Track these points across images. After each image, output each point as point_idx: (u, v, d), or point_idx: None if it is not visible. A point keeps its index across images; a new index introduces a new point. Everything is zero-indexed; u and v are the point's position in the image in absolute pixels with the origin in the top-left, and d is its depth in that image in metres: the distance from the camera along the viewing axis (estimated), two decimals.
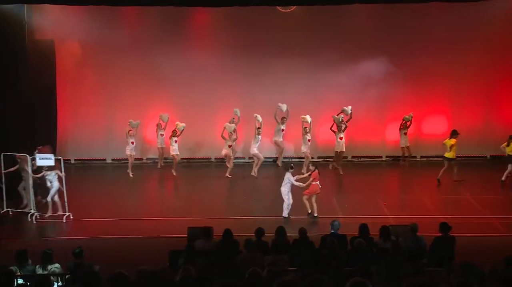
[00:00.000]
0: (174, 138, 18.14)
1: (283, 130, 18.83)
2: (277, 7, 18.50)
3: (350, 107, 18.38)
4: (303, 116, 18.14)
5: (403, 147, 19.14)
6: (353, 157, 19.79)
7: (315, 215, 14.35)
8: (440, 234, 10.79)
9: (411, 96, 19.61)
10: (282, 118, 18.73)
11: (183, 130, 18.18)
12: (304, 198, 14.47)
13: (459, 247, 10.65)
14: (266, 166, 19.16)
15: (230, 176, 17.93)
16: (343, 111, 18.37)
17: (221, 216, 14.37)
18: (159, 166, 19.18)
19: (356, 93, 19.44)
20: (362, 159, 19.79)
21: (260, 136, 18.09)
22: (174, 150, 18.20)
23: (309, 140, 18.07)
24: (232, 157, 18.13)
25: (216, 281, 6.21)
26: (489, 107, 19.76)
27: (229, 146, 18.00)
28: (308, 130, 18.07)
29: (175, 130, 18.15)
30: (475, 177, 18.21)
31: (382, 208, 15.18)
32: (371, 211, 14.67)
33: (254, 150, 18.06)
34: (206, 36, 19.46)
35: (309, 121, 18.08)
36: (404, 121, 18.98)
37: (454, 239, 10.74)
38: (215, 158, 19.78)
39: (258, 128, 18.03)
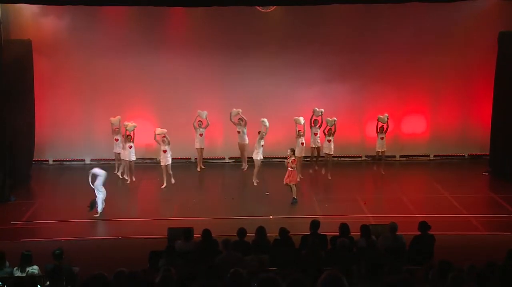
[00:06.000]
0: (128, 144, 17.41)
1: (238, 132, 18.58)
2: (257, 7, 18.50)
3: (322, 109, 18.06)
4: (296, 118, 17.67)
5: (378, 151, 18.49)
6: (333, 157, 19.82)
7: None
8: (420, 233, 10.89)
9: (390, 96, 19.68)
10: (239, 119, 18.57)
11: (133, 130, 17.46)
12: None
13: (438, 246, 10.75)
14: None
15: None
16: (313, 112, 18.08)
17: (201, 216, 14.37)
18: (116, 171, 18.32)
19: (335, 93, 19.50)
20: (341, 159, 19.85)
21: (262, 141, 17.32)
22: (128, 155, 17.44)
23: (302, 143, 17.46)
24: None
25: (196, 281, 6.19)
26: (467, 107, 19.91)
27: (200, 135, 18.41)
28: (302, 133, 17.45)
29: (128, 135, 17.39)
30: (454, 175, 18.35)
31: (362, 208, 15.26)
32: (351, 211, 14.74)
33: (258, 155, 17.21)
34: (185, 37, 19.35)
35: (302, 123, 17.60)
36: (379, 124, 18.22)
37: (434, 237, 10.84)
38: (194, 158, 19.71)
39: (260, 131, 17.39)
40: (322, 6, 17.57)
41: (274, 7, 18.72)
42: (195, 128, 18.55)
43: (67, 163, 19.87)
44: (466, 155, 20.28)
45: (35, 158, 18.73)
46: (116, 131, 18.01)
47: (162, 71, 19.31)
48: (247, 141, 18.71)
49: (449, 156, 20.22)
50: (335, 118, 18.06)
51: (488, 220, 14.60)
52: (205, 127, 18.59)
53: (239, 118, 18.53)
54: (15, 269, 9.51)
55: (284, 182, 15.74)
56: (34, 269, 9.51)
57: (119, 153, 17.99)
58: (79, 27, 18.71)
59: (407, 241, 10.78)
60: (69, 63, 19.18)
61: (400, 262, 9.09)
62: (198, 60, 19.27)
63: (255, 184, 17.10)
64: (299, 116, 17.76)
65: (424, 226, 10.87)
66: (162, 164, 17.18)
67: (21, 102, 17.51)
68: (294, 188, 15.70)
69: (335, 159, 19.20)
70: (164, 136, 17.13)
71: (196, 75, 19.41)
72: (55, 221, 14.52)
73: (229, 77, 19.54)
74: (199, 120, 18.55)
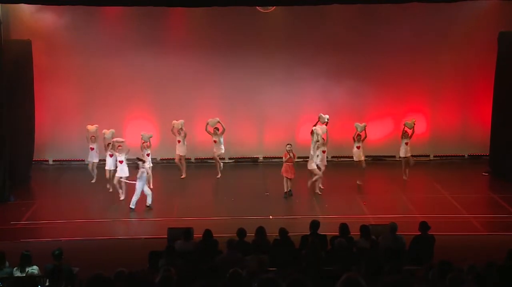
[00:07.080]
0: (109, 152, 16.48)
1: (215, 141, 18.01)
2: (257, 7, 18.49)
3: (327, 116, 17.10)
4: (314, 128, 16.65)
5: (402, 157, 17.77)
6: (332, 157, 19.80)
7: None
8: (420, 233, 10.89)
9: (390, 96, 19.71)
10: (214, 129, 18.06)
11: (112, 137, 16.78)
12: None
13: (438, 246, 10.75)
14: (246, 167, 19.26)
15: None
16: (319, 119, 17.19)
17: (201, 216, 14.37)
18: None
19: (334, 92, 19.49)
20: (341, 159, 19.82)
21: (319, 151, 16.34)
22: (108, 164, 16.50)
23: (324, 151, 16.68)
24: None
25: (196, 281, 6.18)
26: (467, 107, 19.90)
27: (178, 141, 17.88)
28: (324, 143, 16.58)
29: (109, 143, 16.59)
30: (454, 176, 18.35)
31: (362, 208, 15.25)
32: (351, 211, 14.75)
33: (313, 165, 16.24)
34: (185, 37, 19.36)
35: (320, 134, 16.35)
36: (404, 129, 17.63)
37: (434, 238, 10.84)
38: (195, 159, 19.73)
39: (317, 141, 16.15)
40: (322, 6, 17.57)
41: (274, 7, 18.71)
42: (174, 134, 18.02)
43: (67, 163, 19.86)
44: (466, 155, 20.27)
45: (35, 158, 18.71)
46: (92, 139, 17.37)
47: (162, 71, 19.31)
48: (223, 151, 18.12)
49: (449, 156, 20.21)
50: (365, 123, 17.33)
51: (488, 220, 14.60)
52: (184, 136, 17.92)
53: (215, 128, 17.94)
54: (15, 269, 9.51)
55: (291, 177, 16.00)
56: (34, 269, 9.51)
57: (95, 162, 17.43)
58: (79, 27, 18.71)
59: (407, 241, 10.78)
60: (69, 63, 19.18)
61: (400, 262, 9.09)
62: (198, 60, 19.27)
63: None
64: (317, 126, 16.87)
65: (424, 226, 10.88)
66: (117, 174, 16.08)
67: (20, 102, 17.51)
68: (289, 183, 15.99)
69: (335, 159, 19.20)
70: (120, 146, 16.15)
71: (196, 75, 19.40)
72: (55, 221, 14.51)
73: (228, 77, 19.52)
74: (180, 128, 17.91)
